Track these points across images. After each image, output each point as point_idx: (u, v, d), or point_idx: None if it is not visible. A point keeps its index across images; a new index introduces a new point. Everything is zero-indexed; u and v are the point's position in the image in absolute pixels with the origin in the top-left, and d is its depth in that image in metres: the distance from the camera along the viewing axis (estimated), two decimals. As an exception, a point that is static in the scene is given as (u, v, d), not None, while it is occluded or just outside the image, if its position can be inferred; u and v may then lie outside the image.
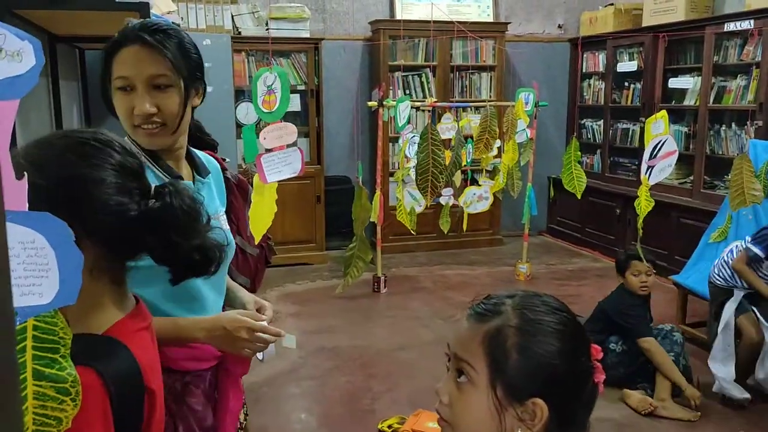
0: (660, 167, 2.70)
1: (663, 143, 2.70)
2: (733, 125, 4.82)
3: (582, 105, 6.38)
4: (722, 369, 3.13)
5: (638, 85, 5.64)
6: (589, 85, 6.32)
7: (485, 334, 0.89)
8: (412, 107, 5.29)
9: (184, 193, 0.97)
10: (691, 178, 5.13)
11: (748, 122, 4.60)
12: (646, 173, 2.67)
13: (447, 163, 4.03)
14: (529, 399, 0.85)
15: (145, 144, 1.30)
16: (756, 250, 3.15)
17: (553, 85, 6.33)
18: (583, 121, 6.39)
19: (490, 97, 5.91)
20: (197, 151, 1.48)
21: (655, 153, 2.71)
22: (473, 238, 6.08)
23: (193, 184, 1.39)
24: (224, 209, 1.50)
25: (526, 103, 4.70)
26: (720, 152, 4.91)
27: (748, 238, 3.29)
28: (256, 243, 2.09)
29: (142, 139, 1.30)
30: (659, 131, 2.68)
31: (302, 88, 5.42)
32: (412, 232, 4.84)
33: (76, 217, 0.72)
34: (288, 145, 1.94)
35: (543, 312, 0.89)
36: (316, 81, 5.48)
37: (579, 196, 4.70)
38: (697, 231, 4.37)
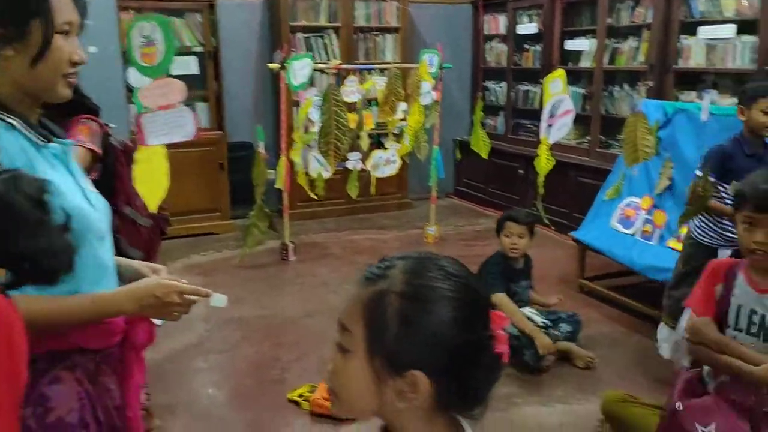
0: (558, 126, 2.75)
1: (561, 102, 2.75)
2: (626, 86, 5.01)
3: (485, 67, 6.45)
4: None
5: (538, 48, 5.75)
6: (492, 47, 6.38)
7: (366, 299, 0.82)
8: (315, 70, 5.16)
9: (26, 184, 0.84)
10: (588, 138, 5.31)
11: (639, 83, 4.80)
12: (545, 132, 2.72)
13: (352, 126, 3.96)
14: (409, 371, 0.79)
15: (64, 95, 1.23)
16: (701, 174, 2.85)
17: (456, 47, 6.34)
18: (486, 84, 6.47)
19: (396, 59, 5.85)
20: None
21: (553, 112, 2.76)
22: (382, 203, 6.08)
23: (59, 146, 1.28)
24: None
25: (431, 65, 4.68)
26: (614, 112, 5.10)
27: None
28: (153, 212, 1.95)
29: (63, 89, 1.23)
30: (557, 90, 2.73)
31: (199, 49, 5.15)
32: (314, 196, 4.74)
33: None
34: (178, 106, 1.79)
35: (435, 278, 0.82)
36: (214, 42, 5.22)
37: (486, 157, 4.77)
38: (593, 189, 4.53)
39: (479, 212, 6.29)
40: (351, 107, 4.72)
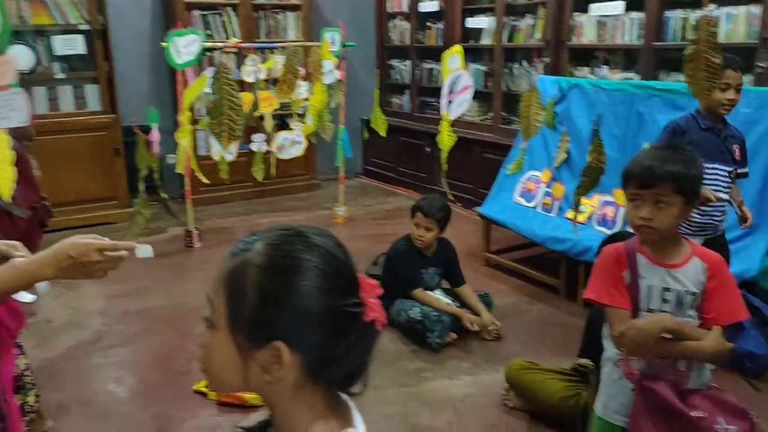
0: (458, 102, 2.78)
1: (459, 78, 2.77)
2: (525, 63, 5.13)
3: (389, 45, 6.44)
4: None
5: (440, 26, 5.79)
6: (395, 25, 6.37)
7: (227, 272, 0.82)
8: (214, 49, 4.97)
9: None
10: (491, 114, 5.41)
11: (536, 59, 4.92)
12: (446, 108, 2.73)
13: (248, 106, 3.83)
14: (271, 342, 0.79)
15: None
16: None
17: (359, 25, 6.28)
18: (391, 62, 6.46)
19: (298, 37, 5.74)
20: None
21: (452, 88, 2.78)
22: (289, 185, 5.99)
23: None
24: None
25: (333, 44, 4.61)
26: (514, 89, 5.21)
27: None
28: (5, 199, 1.80)
29: None
30: (455, 66, 2.74)
31: (85, 27, 4.83)
32: (205, 180, 4.54)
33: None
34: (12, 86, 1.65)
35: (297, 249, 0.81)
36: (102, 20, 4.92)
37: (383, 134, 4.77)
38: (497, 164, 4.63)
39: (389, 191, 6.32)
40: (249, 87, 4.59)
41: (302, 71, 4.62)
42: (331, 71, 4.61)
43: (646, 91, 3.61)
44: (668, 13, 4.07)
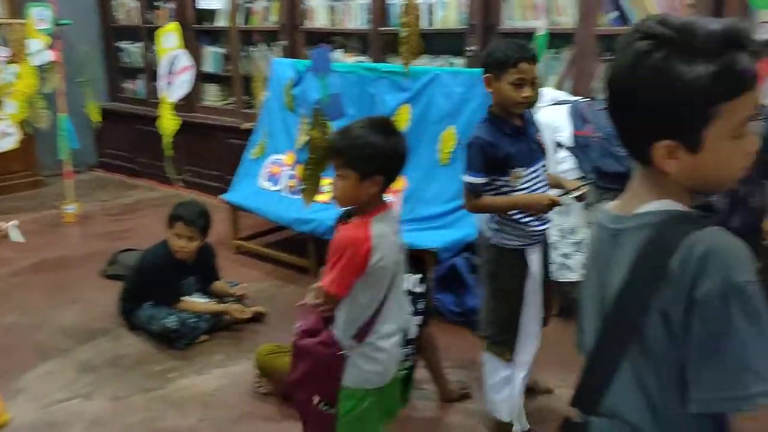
0: (178, 83, 2.62)
1: (177, 58, 2.60)
2: (263, 46, 5.07)
3: (115, 26, 5.92)
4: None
5: (172, 5, 5.46)
6: (120, 3, 5.86)
7: None
8: None
9: None
10: (233, 98, 5.27)
11: (273, 43, 4.89)
12: (166, 90, 2.56)
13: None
14: None
15: None
16: (472, 178, 2.16)
17: (77, 1, 5.65)
18: (119, 44, 5.95)
19: (4, 14, 4.99)
20: None
21: (171, 69, 2.61)
22: (7, 183, 5.31)
23: None
24: None
25: (42, 21, 4.07)
26: (255, 72, 5.13)
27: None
28: None
29: None
30: (173, 45, 2.57)
31: None
32: None
33: None
34: None
35: None
36: None
37: (96, 120, 4.44)
38: (243, 149, 4.52)
39: (127, 184, 5.85)
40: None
41: (6, 52, 4.02)
42: (40, 52, 4.07)
43: (374, 73, 3.78)
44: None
